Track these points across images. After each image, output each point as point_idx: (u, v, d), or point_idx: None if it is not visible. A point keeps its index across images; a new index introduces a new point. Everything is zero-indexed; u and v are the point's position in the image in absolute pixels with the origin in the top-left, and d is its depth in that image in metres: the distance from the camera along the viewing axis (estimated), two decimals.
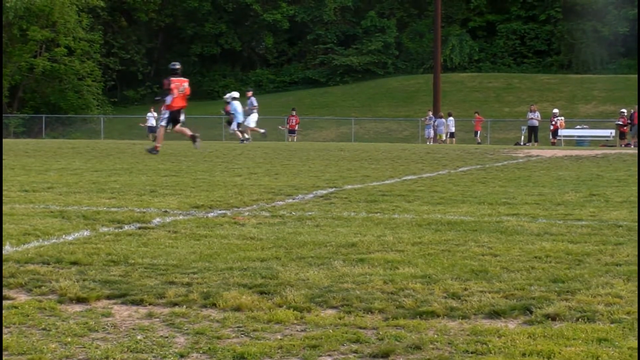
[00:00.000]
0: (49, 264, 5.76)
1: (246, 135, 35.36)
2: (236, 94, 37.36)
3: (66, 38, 63.84)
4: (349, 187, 11.75)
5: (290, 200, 9.97)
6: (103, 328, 4.24)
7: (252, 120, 36.04)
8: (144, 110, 52.64)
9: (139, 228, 7.50)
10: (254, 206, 9.32)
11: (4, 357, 3.73)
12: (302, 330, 4.23)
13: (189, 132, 23.69)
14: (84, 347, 3.90)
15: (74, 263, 5.78)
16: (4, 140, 39.12)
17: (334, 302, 4.77)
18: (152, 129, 48.33)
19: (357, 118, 52.76)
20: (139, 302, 4.76)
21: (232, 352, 3.84)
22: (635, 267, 5.67)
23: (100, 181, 12.34)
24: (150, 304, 4.73)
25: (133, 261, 5.84)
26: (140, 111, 52.76)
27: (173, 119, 22.81)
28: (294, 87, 70.24)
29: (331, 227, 7.65)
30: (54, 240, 6.73)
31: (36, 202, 9.50)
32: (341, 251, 6.31)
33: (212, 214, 8.59)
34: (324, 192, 10.95)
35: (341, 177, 13.64)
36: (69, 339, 4.01)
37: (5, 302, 4.72)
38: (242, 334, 4.17)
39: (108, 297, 4.87)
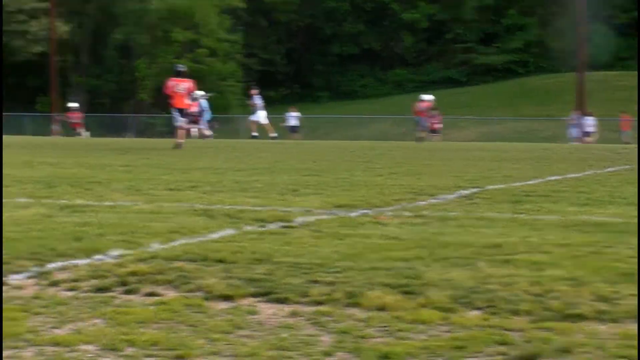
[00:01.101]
0: (195, 261, 5.84)
1: (254, 134, 37.64)
2: (202, 93, 38.82)
3: (208, 39, 64.99)
4: (492, 187, 11.62)
5: (433, 200, 9.90)
6: (249, 325, 4.28)
7: (262, 116, 38.25)
8: (284, 110, 53.14)
9: (282, 227, 7.56)
10: (396, 206, 9.28)
11: (154, 352, 3.80)
12: (447, 331, 4.19)
13: (180, 136, 25.34)
14: (231, 344, 3.94)
15: (220, 261, 5.85)
16: (154, 140, 40.05)
17: (479, 303, 4.70)
18: (292, 129, 48.79)
19: (498, 118, 52.15)
20: (284, 301, 4.79)
21: (376, 352, 3.83)
22: None
23: (243, 180, 12.50)
24: (294, 303, 4.75)
25: (277, 260, 5.88)
26: (280, 111, 53.23)
27: (184, 115, 25.32)
28: (433, 87, 69.88)
29: (475, 227, 7.56)
30: (199, 239, 6.84)
31: (181, 200, 9.67)
32: (485, 252, 6.22)
33: (354, 213, 8.59)
34: (467, 192, 10.85)
35: (483, 177, 13.50)
36: (216, 336, 4.06)
37: (153, 299, 4.82)
38: (387, 333, 4.15)
39: (253, 295, 4.91)
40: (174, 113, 25.76)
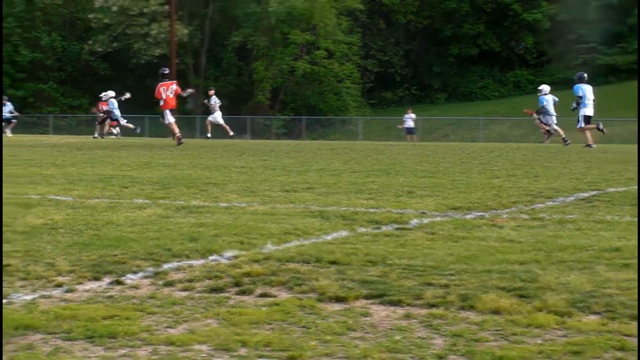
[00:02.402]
0: (308, 262, 5.85)
1: (209, 135, 38.69)
2: (112, 93, 39.46)
3: (326, 41, 65.21)
4: (612, 190, 11.36)
5: (550, 203, 9.73)
6: (361, 327, 4.26)
7: (218, 117, 39.26)
8: (400, 111, 52.99)
9: (397, 229, 7.52)
10: (513, 208, 9.15)
11: (267, 353, 3.81)
12: (563, 336, 4.10)
13: (176, 130, 27.56)
14: (343, 346, 3.92)
15: (333, 262, 5.84)
16: (270, 141, 40.39)
17: (596, 307, 4.59)
18: (409, 131, 48.63)
19: (620, 119, 51.09)
20: (397, 303, 4.75)
21: (490, 355, 3.77)
22: None
23: (358, 182, 12.48)
24: (407, 305, 4.71)
25: (391, 262, 5.85)
26: (398, 113, 53.13)
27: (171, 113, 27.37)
28: (554, 88, 68.78)
29: (593, 230, 7.40)
30: (313, 240, 6.85)
31: (296, 202, 9.71)
32: (604, 255, 6.08)
33: (469, 215, 8.50)
34: (586, 194, 10.63)
35: (604, 179, 13.21)
36: (329, 337, 4.05)
37: (267, 300, 4.83)
38: (501, 337, 4.08)
39: (366, 297, 4.89)
40: (165, 114, 27.71)
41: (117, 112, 39.51)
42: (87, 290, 4.99)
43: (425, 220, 8.05)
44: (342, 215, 8.38)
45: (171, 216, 8.25)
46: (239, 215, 8.43)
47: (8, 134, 41.15)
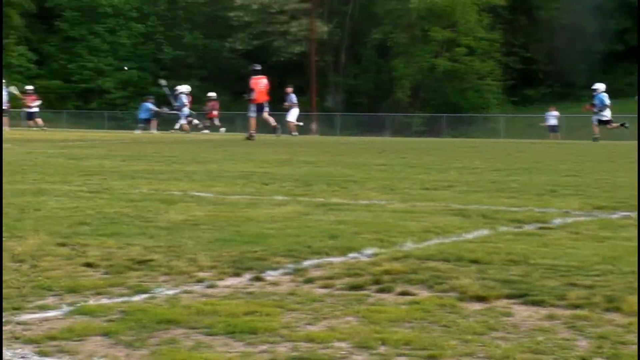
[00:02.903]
0: (449, 261, 5.79)
1: (294, 133, 37.93)
2: (184, 88, 40.48)
3: (466, 38, 64.71)
4: None
5: None
6: (503, 327, 4.18)
7: (293, 115, 38.88)
8: (543, 109, 52.17)
9: (539, 228, 7.38)
10: None
11: (406, 351, 3.77)
12: None
13: (272, 122, 29.41)
14: (484, 346, 3.86)
15: (474, 261, 5.77)
16: (410, 139, 40.28)
17: None
18: (552, 128, 47.84)
19: None
20: (539, 303, 4.65)
21: (635, 359, 3.65)
22: None
23: (500, 180, 12.33)
24: (550, 305, 4.61)
25: (533, 261, 5.74)
26: (540, 110, 52.32)
27: (259, 110, 28.52)
28: None
29: None
30: (454, 238, 6.78)
31: (436, 200, 9.63)
32: None
33: (615, 215, 8.28)
34: None
35: None
36: (469, 337, 3.98)
37: (406, 298, 4.79)
38: None
39: (507, 297, 4.80)
40: (251, 107, 29.17)
41: (186, 110, 39.99)
42: (228, 286, 5.04)
43: (569, 220, 7.88)
44: (483, 213, 8.28)
45: (311, 213, 8.28)
46: (379, 212, 8.41)
47: (153, 131, 41.98)
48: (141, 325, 4.08)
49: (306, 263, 5.71)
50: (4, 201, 8.80)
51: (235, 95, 66.69)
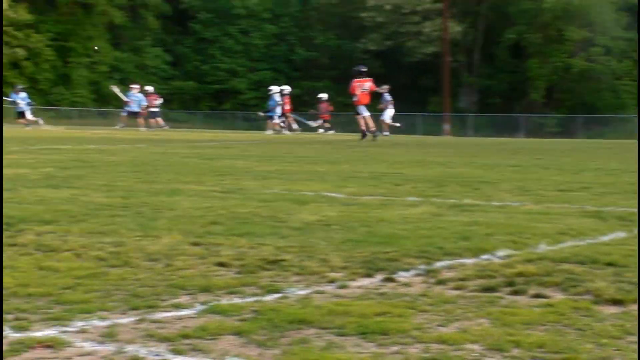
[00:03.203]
0: (584, 263, 5.67)
1: (385, 132, 37.94)
2: (277, 88, 39.88)
3: (603, 37, 63.39)
4: None
5: None
6: None
7: (388, 115, 38.80)
8: None
9: None
10: None
11: (540, 354, 3.71)
12: None
13: (363, 125, 29.58)
14: (620, 350, 3.76)
15: (610, 264, 5.63)
16: (544, 140, 39.68)
17: None
18: None
19: None
20: None
21: None
22: None
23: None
24: None
25: None
26: None
27: (364, 110, 29.27)
28: None
29: None
30: (589, 241, 6.64)
31: (571, 202, 9.46)
32: None
33: None
34: None
35: None
36: (605, 341, 3.89)
37: (541, 300, 4.71)
38: None
39: None
40: (359, 109, 29.63)
41: (278, 110, 40.23)
42: (360, 287, 5.04)
43: None
44: (620, 216, 8.09)
45: (443, 214, 8.22)
46: (512, 214, 8.30)
47: (285, 131, 42.29)
48: (273, 325, 4.11)
49: (438, 264, 5.66)
50: (139, 200, 8.99)
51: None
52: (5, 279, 4.99)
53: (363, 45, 67.25)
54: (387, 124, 39.74)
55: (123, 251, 5.95)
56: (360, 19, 67.77)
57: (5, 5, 61.60)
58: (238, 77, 71.38)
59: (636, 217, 7.95)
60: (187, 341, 3.85)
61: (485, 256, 5.94)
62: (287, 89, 42.56)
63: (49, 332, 3.95)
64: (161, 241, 6.37)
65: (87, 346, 3.76)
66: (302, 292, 4.86)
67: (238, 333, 3.99)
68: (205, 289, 4.88)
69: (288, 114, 41.94)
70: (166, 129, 42.06)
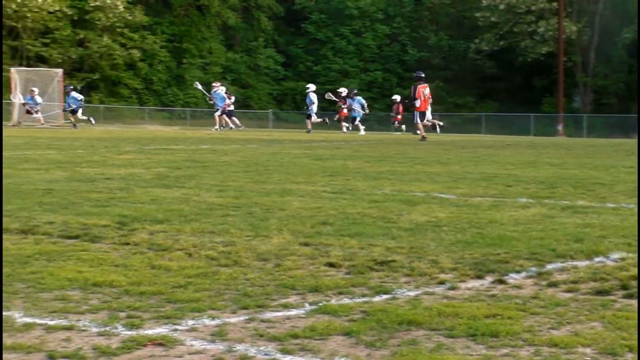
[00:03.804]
0: None
1: (418, 132, 36.12)
2: (313, 87, 39.71)
3: None
4: None
5: None
6: None
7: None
8: None
9: None
10: None
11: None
12: None
13: (422, 128, 30.09)
14: None
15: None
16: None
17: None
18: None
19: None
20: None
21: None
22: None
23: None
24: None
25: None
26: None
27: (421, 118, 29.76)
28: None
29: None
30: None
31: None
32: None
33: None
34: None
35: None
36: None
37: None
38: None
39: None
40: (419, 115, 29.86)
41: (314, 107, 40.14)
42: (470, 288, 4.99)
43: None
44: None
45: (556, 216, 8.10)
46: (627, 216, 8.13)
47: (361, 132, 42.02)
48: (382, 326, 4.10)
49: (550, 266, 5.58)
50: (250, 200, 9.07)
51: (477, 97, 66.31)
52: (118, 277, 5.09)
53: (476, 45, 66.64)
54: (421, 124, 39.65)
55: (234, 251, 6.01)
56: (473, 18, 67.19)
57: (121, 8, 62.83)
58: (350, 78, 71.47)
59: None
60: (296, 341, 3.87)
61: (598, 259, 5.83)
62: (343, 91, 42.46)
63: (161, 330, 4.01)
64: (271, 241, 6.42)
65: (198, 345, 3.80)
66: (412, 293, 4.84)
67: (347, 333, 3.99)
68: (315, 289, 4.90)
69: (344, 117, 41.75)
70: (241, 130, 41.97)
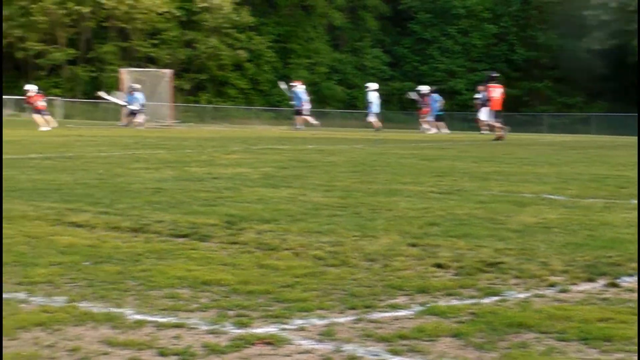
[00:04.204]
0: None
1: (483, 130, 37.11)
2: (374, 86, 39.62)
3: None
4: None
5: None
6: None
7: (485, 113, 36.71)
8: None
9: None
10: None
11: None
12: None
13: (498, 126, 30.40)
14: None
15: None
16: None
17: None
18: None
19: None
20: None
21: None
22: None
23: None
24: None
25: None
26: None
27: (496, 117, 30.27)
28: None
29: None
30: None
31: None
32: None
33: None
34: None
35: None
36: None
37: None
38: None
39: None
40: (490, 113, 30.49)
41: (374, 107, 39.65)
42: (581, 291, 4.90)
43: None
44: None
45: None
46: None
47: (444, 130, 41.48)
48: (492, 328, 4.05)
49: None
50: (357, 201, 9.07)
51: (587, 97, 65.22)
52: (226, 276, 5.12)
53: (586, 44, 65.60)
54: (484, 122, 39.19)
55: (341, 251, 6.00)
56: (583, 17, 66.15)
57: (229, 9, 63.56)
58: (456, 78, 71.06)
59: None
60: (405, 342, 3.84)
61: None
62: (424, 89, 41.85)
63: (269, 329, 4.03)
64: (379, 241, 6.39)
65: (306, 344, 3.81)
66: (522, 296, 4.77)
67: (456, 335, 3.95)
68: (423, 290, 4.86)
69: (425, 115, 41.13)
70: (318, 128, 41.56)
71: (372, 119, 40.50)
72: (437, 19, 73.19)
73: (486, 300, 4.65)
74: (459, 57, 72.26)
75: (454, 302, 4.61)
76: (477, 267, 5.50)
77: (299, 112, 41.41)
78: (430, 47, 72.80)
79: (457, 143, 27.11)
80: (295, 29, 70.71)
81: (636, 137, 34.89)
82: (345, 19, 73.27)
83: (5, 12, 61.72)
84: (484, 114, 31.52)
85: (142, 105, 42.02)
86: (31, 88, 36.19)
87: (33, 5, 61.52)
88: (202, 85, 66.42)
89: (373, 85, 41.38)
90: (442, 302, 4.59)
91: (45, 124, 33.33)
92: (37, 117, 34.21)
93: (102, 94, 43.94)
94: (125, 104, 42.62)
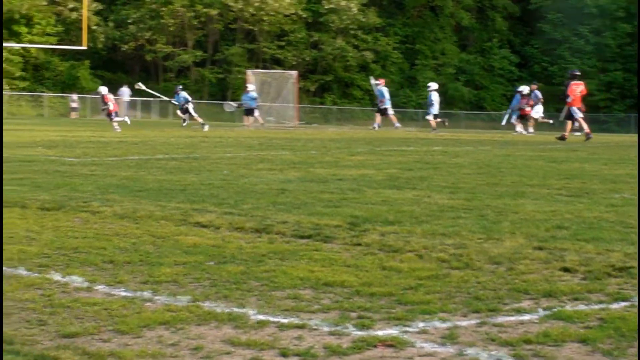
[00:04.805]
0: None
1: (530, 129, 37.54)
2: (434, 85, 39.31)
3: None
4: None
5: None
6: None
7: (537, 111, 37.99)
8: None
9: None
10: None
11: None
12: None
13: (585, 126, 30.25)
14: None
15: None
16: None
17: None
18: None
19: None
20: None
21: None
22: None
23: None
24: None
25: None
26: None
27: (571, 114, 29.90)
28: None
29: None
30: None
31: None
32: None
33: None
34: None
35: None
36: None
37: None
38: None
39: None
40: (573, 110, 29.95)
41: (433, 108, 38.65)
42: None
43: None
44: None
45: None
46: None
47: (530, 131, 40.41)
48: (620, 334, 3.94)
49: None
50: (482, 203, 8.95)
51: None
52: (349, 278, 5.11)
53: None
54: (535, 120, 38.36)
55: (465, 253, 5.93)
56: None
57: (355, 10, 63.70)
58: (588, 79, 69.70)
59: None
60: (529, 347, 3.77)
61: None
62: (525, 89, 40.81)
63: (391, 331, 3.99)
64: (504, 244, 6.30)
65: (428, 347, 3.76)
66: None
67: (583, 341, 3.85)
68: (549, 294, 4.76)
69: (529, 115, 40.08)
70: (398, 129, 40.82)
71: (430, 118, 39.99)
72: (568, 19, 71.87)
73: (615, 306, 4.53)
74: (590, 58, 70.79)
75: (581, 307, 4.50)
76: (605, 272, 5.36)
77: (383, 111, 41.20)
78: (561, 47, 71.54)
79: (586, 145, 26.58)
80: (423, 29, 70.41)
81: None
82: (473, 19, 72.66)
83: (135, 15, 63.15)
84: (570, 112, 30.86)
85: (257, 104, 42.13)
86: (103, 90, 36.30)
87: (163, 8, 62.77)
88: (328, 87, 66.73)
89: (434, 85, 40.91)
90: (569, 307, 4.48)
91: (117, 126, 32.93)
92: (114, 120, 33.90)
93: (139, 85, 43.91)
94: (235, 107, 43.21)
